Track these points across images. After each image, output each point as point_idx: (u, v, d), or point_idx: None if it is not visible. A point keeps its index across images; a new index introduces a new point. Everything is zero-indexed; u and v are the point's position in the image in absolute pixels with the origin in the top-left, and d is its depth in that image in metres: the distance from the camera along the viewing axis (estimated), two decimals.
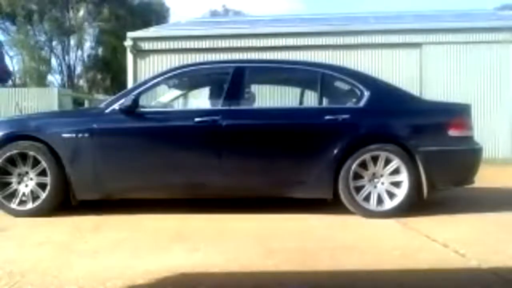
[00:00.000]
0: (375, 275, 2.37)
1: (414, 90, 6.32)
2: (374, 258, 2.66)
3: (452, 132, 3.96)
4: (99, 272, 2.37)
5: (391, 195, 3.85)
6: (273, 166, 3.93)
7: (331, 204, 3.96)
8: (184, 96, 5.44)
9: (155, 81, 4.23)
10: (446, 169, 3.94)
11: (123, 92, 4.23)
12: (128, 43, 10.97)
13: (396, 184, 3.85)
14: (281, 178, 3.94)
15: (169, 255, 2.73)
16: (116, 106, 3.95)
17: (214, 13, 35.41)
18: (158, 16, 29.38)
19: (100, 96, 20.53)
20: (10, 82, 25.37)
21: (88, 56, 30.09)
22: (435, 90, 9.87)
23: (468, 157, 4.06)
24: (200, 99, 5.48)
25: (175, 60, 10.16)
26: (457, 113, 4.19)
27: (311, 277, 2.35)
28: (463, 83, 10.47)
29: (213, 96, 4.66)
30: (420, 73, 10.62)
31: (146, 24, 19.18)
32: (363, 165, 3.86)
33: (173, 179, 3.91)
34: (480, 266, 2.50)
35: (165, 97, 5.07)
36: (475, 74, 10.55)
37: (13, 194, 3.90)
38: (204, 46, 10.79)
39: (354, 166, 3.83)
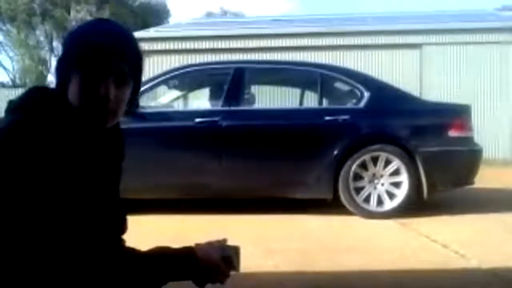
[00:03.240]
0: (375, 275, 2.37)
1: (414, 91, 6.33)
2: (374, 258, 2.66)
3: (452, 133, 3.96)
4: None
5: (391, 196, 3.85)
6: (273, 166, 3.93)
7: (331, 205, 3.96)
8: (184, 96, 5.44)
9: (155, 81, 4.23)
10: (446, 169, 3.94)
11: None
12: None
13: (396, 185, 3.85)
14: (281, 178, 3.94)
15: None
16: None
17: (209, 15, 34.99)
18: (158, 17, 29.34)
19: None
20: (9, 82, 25.37)
21: None
22: (435, 90, 9.86)
23: (468, 158, 4.06)
24: (200, 100, 5.49)
25: (175, 61, 10.16)
26: (457, 114, 4.19)
27: (311, 277, 2.35)
28: (463, 83, 10.46)
29: (213, 96, 4.67)
30: (420, 74, 10.62)
31: (147, 25, 19.17)
32: (363, 165, 3.86)
33: (173, 180, 3.91)
34: (480, 266, 2.50)
35: (165, 98, 5.07)
36: (475, 74, 10.55)
37: None
38: (204, 47, 10.79)
39: (354, 166, 3.83)
